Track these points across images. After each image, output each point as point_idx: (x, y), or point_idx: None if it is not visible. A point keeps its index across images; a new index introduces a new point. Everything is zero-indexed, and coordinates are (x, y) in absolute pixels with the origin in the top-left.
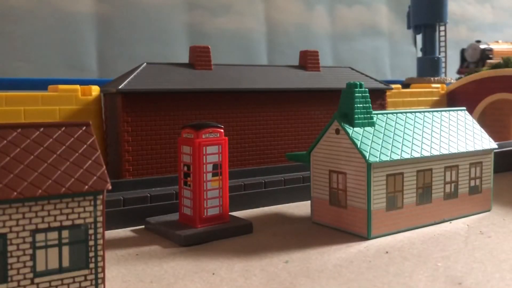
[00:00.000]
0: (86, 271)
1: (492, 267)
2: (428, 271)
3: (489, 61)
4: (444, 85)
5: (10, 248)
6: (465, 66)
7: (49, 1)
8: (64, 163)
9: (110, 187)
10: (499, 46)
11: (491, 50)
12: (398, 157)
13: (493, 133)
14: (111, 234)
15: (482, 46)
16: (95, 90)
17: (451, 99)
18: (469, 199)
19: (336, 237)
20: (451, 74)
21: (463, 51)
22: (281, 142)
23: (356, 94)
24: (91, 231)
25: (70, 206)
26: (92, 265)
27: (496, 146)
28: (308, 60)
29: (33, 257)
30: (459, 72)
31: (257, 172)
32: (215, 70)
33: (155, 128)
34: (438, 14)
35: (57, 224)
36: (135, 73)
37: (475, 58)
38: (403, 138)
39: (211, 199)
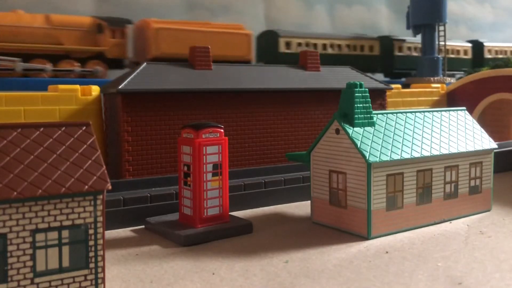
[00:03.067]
0: (86, 271)
1: (492, 267)
2: (428, 271)
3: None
4: (444, 85)
5: (10, 248)
6: None
7: (49, 1)
8: (64, 163)
9: (110, 187)
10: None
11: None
12: (398, 157)
13: (493, 133)
14: (111, 234)
15: None
16: (95, 90)
17: (451, 99)
18: (469, 199)
19: (336, 237)
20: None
21: None
22: (281, 142)
23: (356, 94)
24: (91, 231)
25: (70, 206)
26: (92, 265)
27: (496, 146)
28: (308, 60)
29: (33, 257)
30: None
31: (257, 172)
32: (215, 70)
33: (155, 128)
34: (438, 14)
35: (57, 224)
36: (135, 73)
37: None
38: (403, 138)
39: (211, 199)
